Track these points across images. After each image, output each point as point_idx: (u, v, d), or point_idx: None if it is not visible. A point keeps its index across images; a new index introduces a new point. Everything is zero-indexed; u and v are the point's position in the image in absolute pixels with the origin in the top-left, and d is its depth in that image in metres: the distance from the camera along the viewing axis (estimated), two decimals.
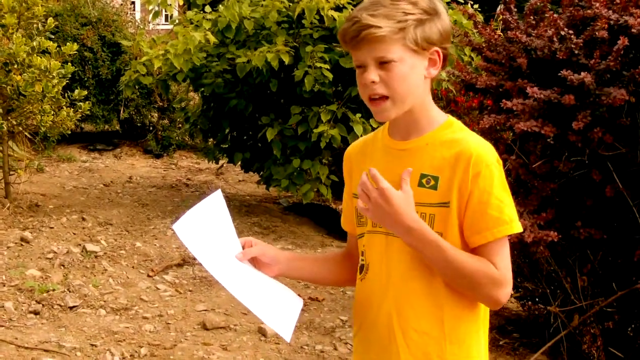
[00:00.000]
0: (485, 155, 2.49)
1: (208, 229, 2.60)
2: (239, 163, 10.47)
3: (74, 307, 6.50)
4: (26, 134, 11.30)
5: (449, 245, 2.45)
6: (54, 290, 6.72)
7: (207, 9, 9.77)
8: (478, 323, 2.63)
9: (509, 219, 2.49)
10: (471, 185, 2.46)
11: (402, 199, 2.41)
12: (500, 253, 2.50)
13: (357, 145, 2.83)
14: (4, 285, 6.77)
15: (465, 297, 2.54)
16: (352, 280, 2.78)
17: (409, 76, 2.48)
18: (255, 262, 2.69)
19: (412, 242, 2.45)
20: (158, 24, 16.36)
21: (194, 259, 7.85)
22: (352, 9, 8.95)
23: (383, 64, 2.45)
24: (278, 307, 2.60)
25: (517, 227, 2.52)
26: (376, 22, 2.40)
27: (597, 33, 5.22)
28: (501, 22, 6.23)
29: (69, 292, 6.75)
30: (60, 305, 6.49)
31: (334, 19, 8.85)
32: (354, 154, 2.80)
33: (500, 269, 2.48)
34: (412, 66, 2.48)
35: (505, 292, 2.51)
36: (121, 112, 14.40)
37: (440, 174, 2.50)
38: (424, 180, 2.51)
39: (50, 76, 8.87)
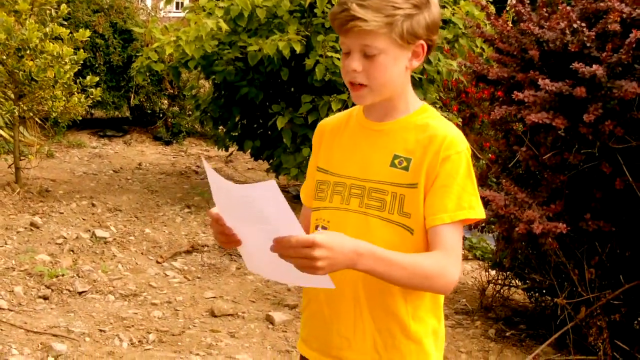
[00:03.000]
0: (456, 141, 2.55)
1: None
2: (249, 151, 10.46)
3: (83, 292, 6.53)
4: (36, 119, 11.33)
5: (399, 255, 2.42)
6: (63, 275, 6.74)
7: None
8: (437, 300, 2.67)
9: (468, 205, 2.53)
10: (439, 167, 2.51)
11: (333, 238, 2.30)
12: (453, 237, 2.52)
13: (332, 120, 2.86)
14: (14, 270, 6.80)
15: None
16: None
17: (391, 68, 2.52)
18: None
19: (366, 267, 2.36)
20: (169, 12, 16.40)
21: (203, 246, 7.91)
22: None
23: (368, 53, 2.49)
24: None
25: (474, 214, 2.55)
26: (364, 15, 2.43)
27: (609, 26, 5.22)
28: (513, 13, 6.22)
29: (78, 277, 6.77)
30: (70, 291, 6.52)
31: None
32: (327, 128, 2.83)
33: (451, 253, 2.49)
34: (395, 58, 2.52)
35: (455, 279, 2.50)
36: (131, 98, 14.44)
37: (413, 156, 2.55)
38: (396, 161, 2.57)
39: (63, 62, 8.92)
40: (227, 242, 2.52)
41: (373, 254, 2.35)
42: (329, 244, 2.25)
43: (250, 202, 2.31)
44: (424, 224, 2.53)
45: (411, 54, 2.55)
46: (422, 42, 2.54)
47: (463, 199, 2.52)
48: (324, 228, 2.65)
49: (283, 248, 2.25)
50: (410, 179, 2.54)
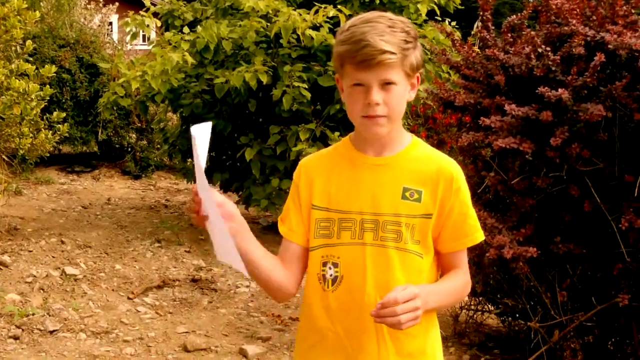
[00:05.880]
0: (461, 172, 2.78)
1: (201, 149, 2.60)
2: (218, 183, 10.44)
3: (54, 331, 6.47)
4: (3, 156, 11.26)
5: (443, 284, 2.80)
6: (33, 314, 6.68)
7: (185, 29, 9.78)
8: (435, 315, 2.88)
9: (479, 226, 2.83)
10: (453, 199, 2.73)
11: (420, 288, 2.57)
12: (466, 254, 2.87)
13: (317, 159, 2.93)
14: None
15: None
16: (280, 288, 2.81)
17: (403, 98, 2.68)
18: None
19: (433, 304, 2.67)
20: (136, 45, 16.37)
21: (174, 280, 7.86)
22: (329, 27, 8.98)
23: (385, 85, 2.60)
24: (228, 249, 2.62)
25: (482, 234, 2.85)
26: (391, 49, 2.56)
27: (574, 50, 5.25)
28: (478, 39, 6.25)
29: (49, 316, 6.71)
30: (40, 330, 6.45)
31: (312, 38, 8.86)
32: (315, 167, 2.88)
33: (466, 268, 2.86)
34: (405, 89, 2.68)
35: (470, 287, 2.92)
36: (99, 133, 14.38)
37: (424, 188, 2.72)
38: (407, 194, 2.71)
39: (29, 99, 8.86)
40: (197, 218, 2.62)
41: (434, 291, 2.69)
42: (420, 292, 2.52)
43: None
44: (432, 247, 2.76)
45: (410, 85, 2.70)
46: (418, 73, 2.71)
47: (476, 222, 2.82)
48: (334, 264, 2.76)
49: (389, 308, 2.47)
50: (423, 210, 2.72)
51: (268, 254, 2.80)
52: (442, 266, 2.84)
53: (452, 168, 2.76)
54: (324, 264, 2.76)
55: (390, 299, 2.46)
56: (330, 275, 2.75)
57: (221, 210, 2.59)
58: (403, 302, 2.46)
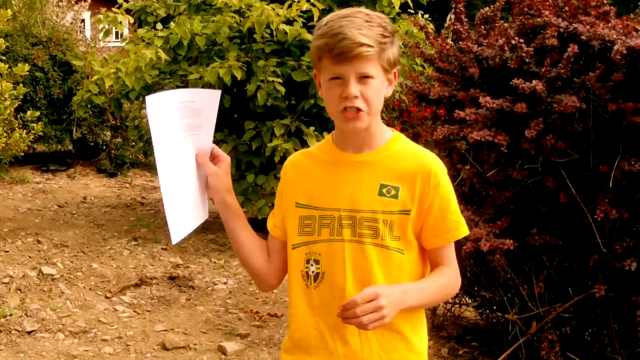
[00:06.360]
0: (441, 167, 2.77)
1: (183, 113, 2.91)
2: None
3: (32, 331, 6.44)
4: None
5: (426, 282, 2.77)
6: (11, 315, 6.65)
7: (159, 26, 9.74)
8: (423, 312, 2.90)
9: (463, 221, 2.81)
10: (432, 194, 2.71)
11: (383, 286, 2.60)
12: (452, 251, 2.84)
13: (300, 157, 2.98)
14: None
15: None
16: (259, 273, 2.98)
17: (381, 92, 2.69)
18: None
19: (412, 302, 2.66)
20: (109, 42, 16.29)
21: (152, 278, 7.84)
22: (303, 22, 8.97)
23: (363, 78, 2.61)
24: (186, 212, 3.00)
25: (466, 229, 2.83)
26: (368, 42, 2.58)
27: (547, 41, 5.25)
28: (452, 32, 6.25)
29: (27, 316, 6.68)
30: (18, 330, 6.43)
31: (285, 33, 8.85)
32: (299, 165, 2.94)
33: (454, 265, 2.83)
34: (382, 84, 2.69)
35: (459, 285, 2.88)
36: (74, 131, 14.31)
37: (401, 184, 2.72)
38: (384, 190, 2.71)
39: (2, 98, 8.80)
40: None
41: (412, 289, 2.68)
42: (386, 291, 2.53)
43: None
44: (415, 243, 2.76)
45: (387, 81, 2.71)
46: (395, 69, 2.72)
47: (458, 217, 2.80)
48: (315, 261, 2.78)
49: (350, 310, 2.48)
50: (400, 206, 2.71)
51: (254, 236, 3.01)
52: (430, 262, 2.84)
53: (431, 163, 2.75)
54: (307, 261, 2.79)
55: (350, 302, 2.48)
56: (312, 272, 2.78)
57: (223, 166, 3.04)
58: (363, 303, 2.47)
